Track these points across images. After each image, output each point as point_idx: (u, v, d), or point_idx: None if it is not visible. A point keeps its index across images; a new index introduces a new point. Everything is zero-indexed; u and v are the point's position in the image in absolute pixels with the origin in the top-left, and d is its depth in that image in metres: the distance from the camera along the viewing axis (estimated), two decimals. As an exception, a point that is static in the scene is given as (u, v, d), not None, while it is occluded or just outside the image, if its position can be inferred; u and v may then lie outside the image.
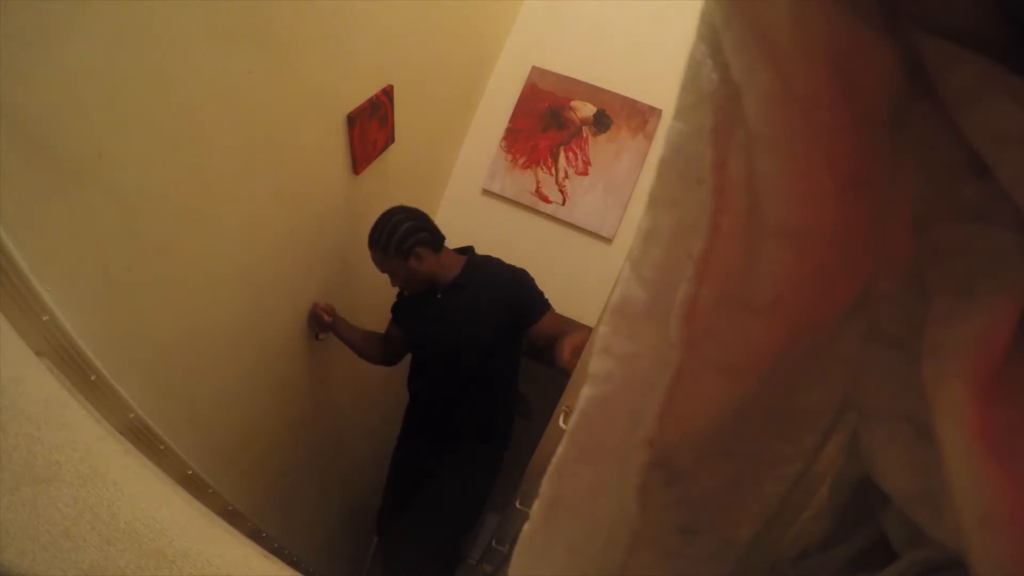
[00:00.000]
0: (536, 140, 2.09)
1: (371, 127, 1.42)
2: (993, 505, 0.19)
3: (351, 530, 2.19)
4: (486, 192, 2.12)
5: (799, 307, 0.25)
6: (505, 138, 2.10)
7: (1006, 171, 0.20)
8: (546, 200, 2.07)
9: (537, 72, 2.09)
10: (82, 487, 0.55)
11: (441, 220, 1.56)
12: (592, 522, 0.30)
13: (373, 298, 1.79)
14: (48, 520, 0.51)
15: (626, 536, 0.29)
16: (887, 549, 0.30)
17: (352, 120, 1.32)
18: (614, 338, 0.28)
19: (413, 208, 1.50)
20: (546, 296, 1.53)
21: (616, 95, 2.02)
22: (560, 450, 0.31)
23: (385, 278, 1.52)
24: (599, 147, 2.04)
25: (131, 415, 0.89)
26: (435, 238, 1.50)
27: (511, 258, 1.59)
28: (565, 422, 1.26)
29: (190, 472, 1.06)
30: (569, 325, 1.52)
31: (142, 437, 0.93)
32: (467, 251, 1.62)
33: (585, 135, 2.05)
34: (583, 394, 0.29)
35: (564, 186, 2.06)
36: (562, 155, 2.07)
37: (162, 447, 0.97)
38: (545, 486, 0.31)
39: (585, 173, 2.05)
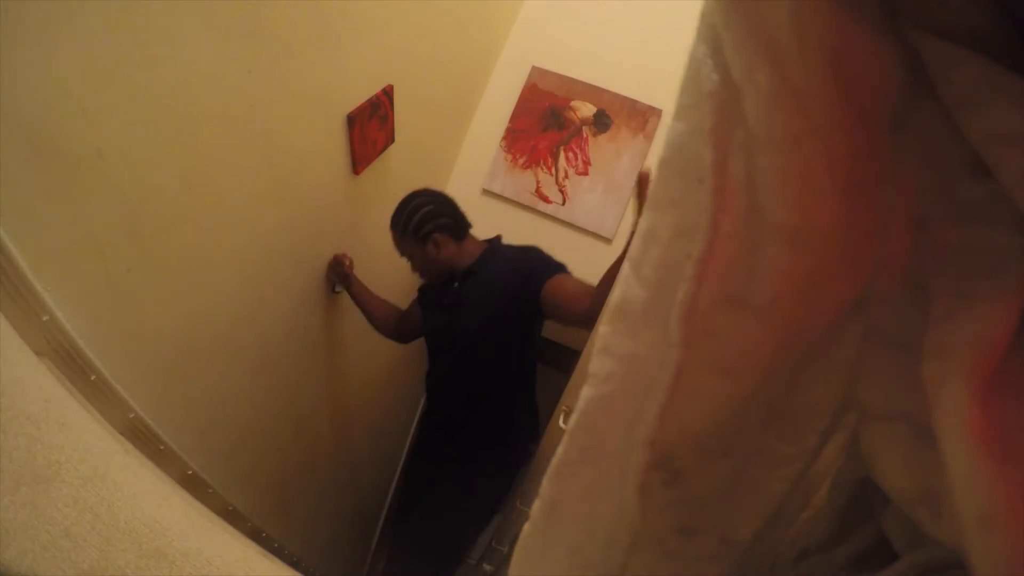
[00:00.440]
0: (536, 140, 2.09)
1: (371, 127, 1.42)
2: (993, 505, 0.19)
3: (351, 530, 2.19)
4: (486, 192, 2.12)
5: (799, 307, 0.25)
6: (505, 138, 2.10)
7: (1006, 172, 0.20)
8: (546, 200, 2.07)
9: (537, 72, 2.09)
10: (82, 487, 0.55)
11: (441, 220, 1.54)
12: (592, 522, 0.30)
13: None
14: (48, 520, 0.51)
15: (626, 536, 0.29)
16: (887, 549, 0.30)
17: (352, 120, 1.32)
18: (614, 338, 0.28)
19: (437, 192, 1.43)
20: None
21: (616, 95, 2.02)
22: (560, 450, 0.31)
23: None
24: (599, 147, 2.04)
25: (131, 415, 0.89)
26: (457, 225, 1.41)
27: (511, 258, 1.58)
28: (565, 422, 1.26)
29: (190, 472, 1.06)
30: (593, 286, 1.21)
31: (142, 437, 0.93)
32: (493, 240, 1.50)
33: (585, 135, 2.05)
34: (583, 394, 0.29)
35: (564, 186, 2.06)
36: (562, 155, 2.07)
37: (162, 447, 0.97)
38: (545, 486, 0.31)
39: (585, 173, 2.05)
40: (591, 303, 1.13)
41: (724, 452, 0.29)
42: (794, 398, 0.29)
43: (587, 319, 1.12)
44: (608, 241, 2.01)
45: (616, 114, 2.02)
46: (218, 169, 0.98)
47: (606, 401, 0.28)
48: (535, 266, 1.34)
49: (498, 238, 1.51)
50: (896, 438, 0.26)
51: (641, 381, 0.26)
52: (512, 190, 2.09)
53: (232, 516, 1.24)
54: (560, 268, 1.34)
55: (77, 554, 0.51)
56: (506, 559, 1.42)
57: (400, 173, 1.71)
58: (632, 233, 0.33)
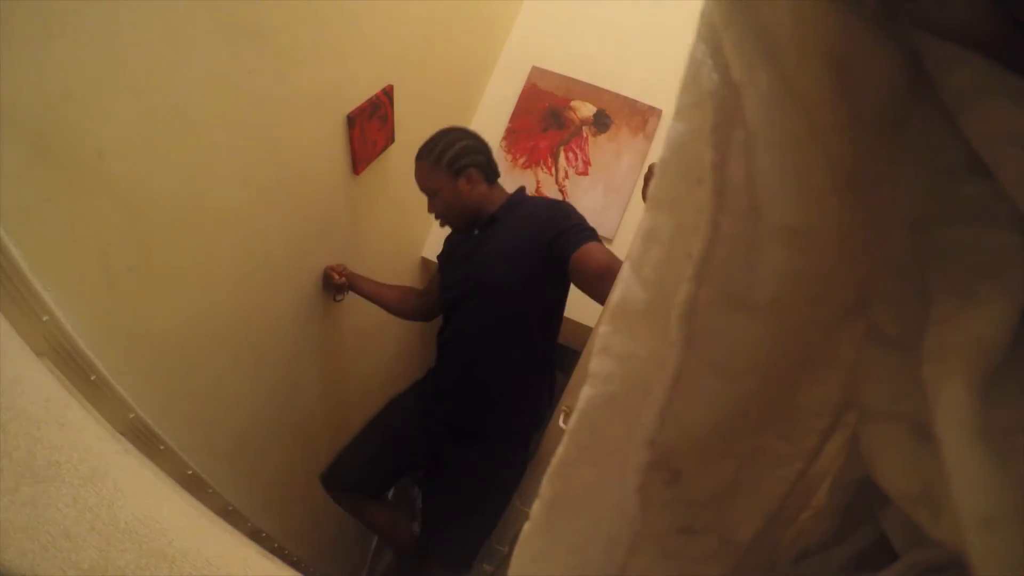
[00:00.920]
0: (536, 140, 2.09)
1: (371, 127, 1.42)
2: (993, 505, 0.19)
3: (351, 530, 2.19)
4: (486, 192, 2.12)
5: (799, 307, 0.25)
6: (505, 138, 2.10)
7: (1007, 172, 0.20)
8: (546, 200, 2.07)
9: (537, 72, 2.09)
10: (82, 487, 0.55)
11: (441, 220, 1.54)
12: (592, 522, 0.30)
13: (373, 298, 1.78)
14: (48, 520, 0.51)
15: (626, 536, 0.29)
16: (887, 549, 0.30)
17: (352, 120, 1.32)
18: (614, 338, 0.28)
19: (476, 134, 1.38)
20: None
21: (616, 95, 2.02)
22: (560, 450, 0.31)
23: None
24: (599, 147, 2.04)
25: (131, 415, 0.89)
26: (491, 168, 1.36)
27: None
28: (565, 422, 1.26)
29: (190, 472, 1.06)
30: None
31: (142, 437, 0.93)
32: (519, 190, 1.43)
33: (585, 135, 2.05)
34: (583, 394, 0.29)
35: (564, 186, 2.06)
36: (562, 155, 2.07)
37: (162, 447, 0.97)
38: (545, 486, 0.31)
39: (585, 173, 2.05)
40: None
41: (724, 452, 0.29)
42: (794, 398, 0.29)
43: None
44: (608, 241, 2.01)
45: (616, 114, 2.03)
46: (218, 169, 0.98)
47: (606, 401, 0.28)
48: (566, 227, 1.24)
49: (522, 189, 1.44)
50: (896, 438, 0.26)
51: (641, 381, 0.26)
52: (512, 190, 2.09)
53: (232, 516, 1.24)
54: (592, 235, 1.24)
55: (77, 554, 0.51)
56: (506, 559, 1.42)
57: (400, 173, 1.71)
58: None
